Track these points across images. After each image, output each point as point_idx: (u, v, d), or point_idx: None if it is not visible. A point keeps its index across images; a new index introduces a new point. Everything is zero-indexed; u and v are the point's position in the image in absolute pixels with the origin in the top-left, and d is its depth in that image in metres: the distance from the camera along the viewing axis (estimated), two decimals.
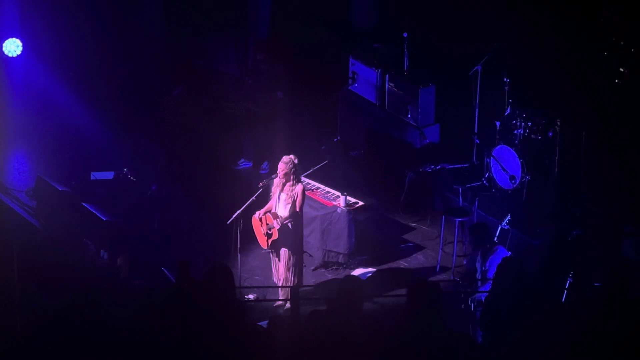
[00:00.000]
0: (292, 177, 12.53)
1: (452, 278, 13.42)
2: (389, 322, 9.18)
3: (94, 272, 13.22)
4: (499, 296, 9.94)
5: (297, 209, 12.53)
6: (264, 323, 11.61)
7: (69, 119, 16.71)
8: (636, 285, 9.65)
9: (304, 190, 12.62)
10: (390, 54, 16.31)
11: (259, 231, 12.75)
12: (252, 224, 12.78)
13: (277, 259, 12.76)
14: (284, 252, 12.64)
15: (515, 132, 14.34)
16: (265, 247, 12.78)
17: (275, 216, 12.54)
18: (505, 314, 9.67)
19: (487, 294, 10.57)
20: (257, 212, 12.72)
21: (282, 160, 12.55)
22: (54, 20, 17.17)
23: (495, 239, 12.63)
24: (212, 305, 9.28)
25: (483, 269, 12.03)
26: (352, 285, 9.18)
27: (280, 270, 12.73)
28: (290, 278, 12.66)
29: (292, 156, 12.60)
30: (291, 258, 12.65)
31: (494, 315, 9.96)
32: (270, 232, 12.59)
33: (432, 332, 8.78)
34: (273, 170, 12.91)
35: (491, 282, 10.54)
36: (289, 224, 12.55)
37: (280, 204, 12.58)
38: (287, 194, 12.53)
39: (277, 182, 12.63)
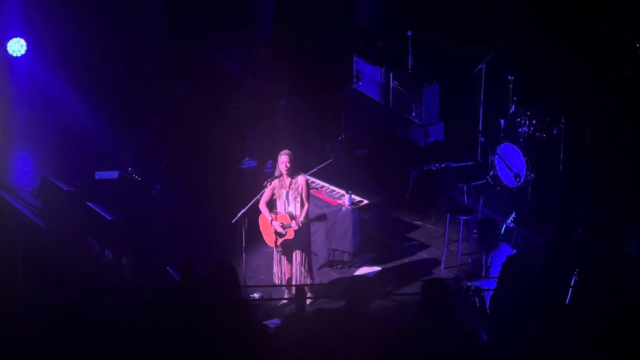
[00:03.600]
0: (293, 172, 12.51)
1: (457, 276, 13.41)
2: (395, 320, 9.18)
3: (98, 272, 13.23)
4: (503, 294, 9.92)
5: (305, 201, 12.51)
6: (269, 322, 11.63)
7: (73, 119, 16.71)
8: (638, 282, 9.65)
9: (307, 181, 12.61)
10: (395, 52, 16.28)
11: (267, 229, 12.70)
12: (258, 222, 12.73)
13: (284, 258, 12.72)
14: (296, 252, 12.62)
15: (520, 130, 14.33)
16: (273, 245, 12.73)
17: (292, 216, 12.49)
18: (510, 312, 9.66)
19: (491, 292, 10.55)
20: (270, 215, 12.63)
21: (280, 159, 12.48)
22: (57, 19, 17.19)
23: (500, 236, 12.61)
24: (217, 304, 9.28)
25: (486, 264, 12.03)
26: (359, 285, 9.18)
27: (289, 269, 12.68)
28: (304, 277, 12.62)
29: (287, 151, 12.57)
30: (304, 258, 12.63)
31: (499, 314, 9.94)
32: (284, 232, 12.55)
33: (441, 331, 8.77)
34: None
35: (495, 279, 10.53)
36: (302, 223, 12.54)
37: (290, 202, 12.55)
38: (293, 190, 12.51)
39: (276, 183, 12.57)
